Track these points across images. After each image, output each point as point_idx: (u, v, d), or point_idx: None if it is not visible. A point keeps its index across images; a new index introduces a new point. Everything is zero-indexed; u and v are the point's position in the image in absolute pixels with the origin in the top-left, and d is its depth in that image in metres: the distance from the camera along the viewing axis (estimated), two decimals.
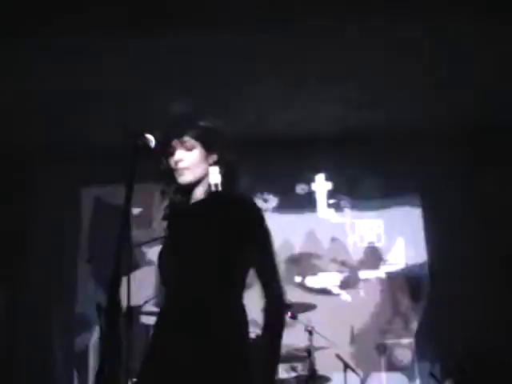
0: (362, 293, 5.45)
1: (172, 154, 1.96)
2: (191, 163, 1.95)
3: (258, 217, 1.92)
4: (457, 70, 4.57)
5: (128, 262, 1.68)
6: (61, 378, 5.28)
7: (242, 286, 1.89)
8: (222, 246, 1.84)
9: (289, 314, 4.10)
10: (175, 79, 4.43)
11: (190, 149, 1.96)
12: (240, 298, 1.88)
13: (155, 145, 1.83)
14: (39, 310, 5.33)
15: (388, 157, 5.43)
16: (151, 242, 4.50)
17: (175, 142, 1.97)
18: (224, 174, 1.96)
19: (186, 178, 1.95)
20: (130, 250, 1.46)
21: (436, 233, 5.40)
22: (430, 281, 5.33)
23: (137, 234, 5.05)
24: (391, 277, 5.46)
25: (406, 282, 5.43)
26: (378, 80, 4.69)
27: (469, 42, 4.18)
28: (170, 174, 1.98)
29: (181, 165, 1.95)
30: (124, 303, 3.19)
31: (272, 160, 5.42)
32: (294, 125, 5.32)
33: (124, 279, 2.84)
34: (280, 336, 1.86)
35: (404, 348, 5.23)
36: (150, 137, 1.80)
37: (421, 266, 5.42)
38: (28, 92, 4.57)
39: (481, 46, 4.24)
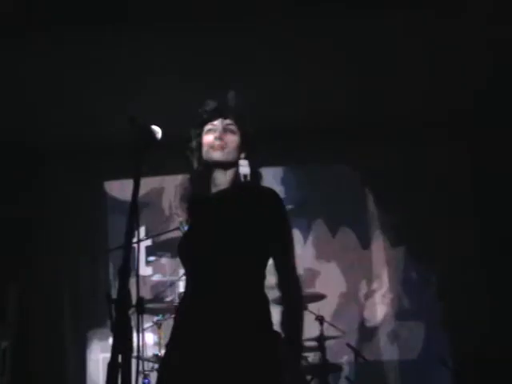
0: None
1: (213, 130, 2.01)
2: (229, 144, 1.99)
3: (282, 208, 2.00)
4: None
5: (137, 254, 1.69)
6: (74, 373, 5.33)
7: (264, 276, 1.96)
8: (251, 235, 1.90)
9: None
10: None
11: (231, 131, 2.01)
12: (263, 288, 1.94)
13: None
14: (51, 310, 5.36)
15: None
16: (162, 234, 4.53)
17: (219, 121, 2.02)
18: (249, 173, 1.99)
19: (220, 155, 1.98)
20: (138, 242, 1.48)
21: None
22: None
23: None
24: None
25: None
26: None
27: None
28: (199, 150, 2.03)
29: (219, 142, 1.98)
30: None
31: None
32: None
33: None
34: (301, 322, 1.93)
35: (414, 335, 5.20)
36: (156, 129, 1.77)
37: None
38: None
39: None
